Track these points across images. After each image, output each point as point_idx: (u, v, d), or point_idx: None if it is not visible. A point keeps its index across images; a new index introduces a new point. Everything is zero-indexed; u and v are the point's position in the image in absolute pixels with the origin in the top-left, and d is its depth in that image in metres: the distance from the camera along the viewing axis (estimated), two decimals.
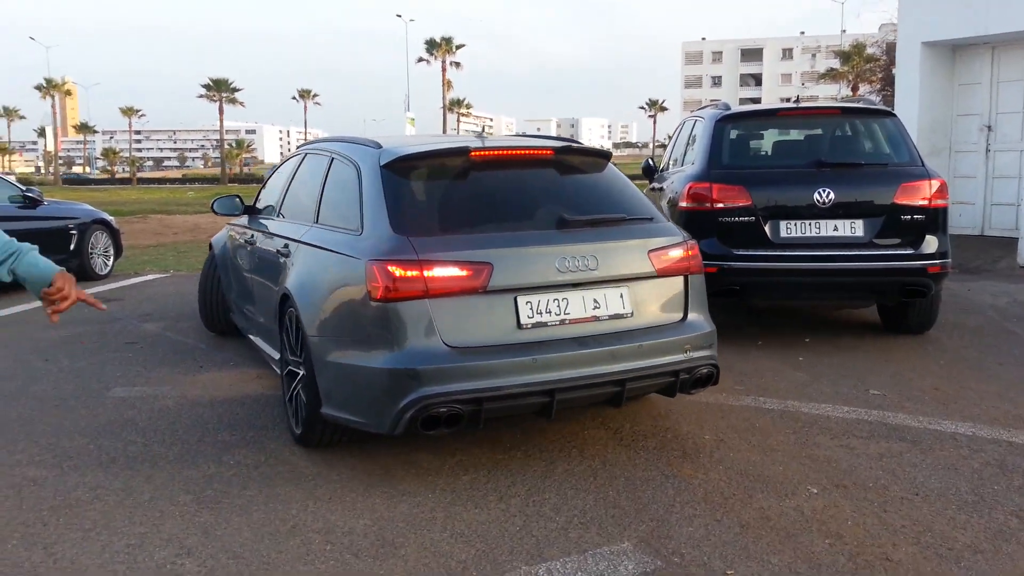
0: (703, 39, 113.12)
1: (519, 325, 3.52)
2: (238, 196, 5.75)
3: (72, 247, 9.56)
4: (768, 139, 7.49)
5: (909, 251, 5.79)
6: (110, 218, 10.46)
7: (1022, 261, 10.09)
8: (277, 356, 4.52)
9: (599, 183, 4.15)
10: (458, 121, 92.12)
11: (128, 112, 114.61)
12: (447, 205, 3.84)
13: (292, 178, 5.09)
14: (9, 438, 4.26)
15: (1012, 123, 10.84)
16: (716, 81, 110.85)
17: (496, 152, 4.00)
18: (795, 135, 6.95)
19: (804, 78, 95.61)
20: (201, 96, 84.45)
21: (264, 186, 5.82)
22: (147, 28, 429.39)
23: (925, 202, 5.81)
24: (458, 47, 76.11)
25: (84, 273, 9.72)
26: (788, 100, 8.63)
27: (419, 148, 4.04)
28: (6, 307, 7.97)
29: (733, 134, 6.35)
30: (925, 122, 11.20)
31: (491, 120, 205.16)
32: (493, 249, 3.52)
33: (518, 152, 4.17)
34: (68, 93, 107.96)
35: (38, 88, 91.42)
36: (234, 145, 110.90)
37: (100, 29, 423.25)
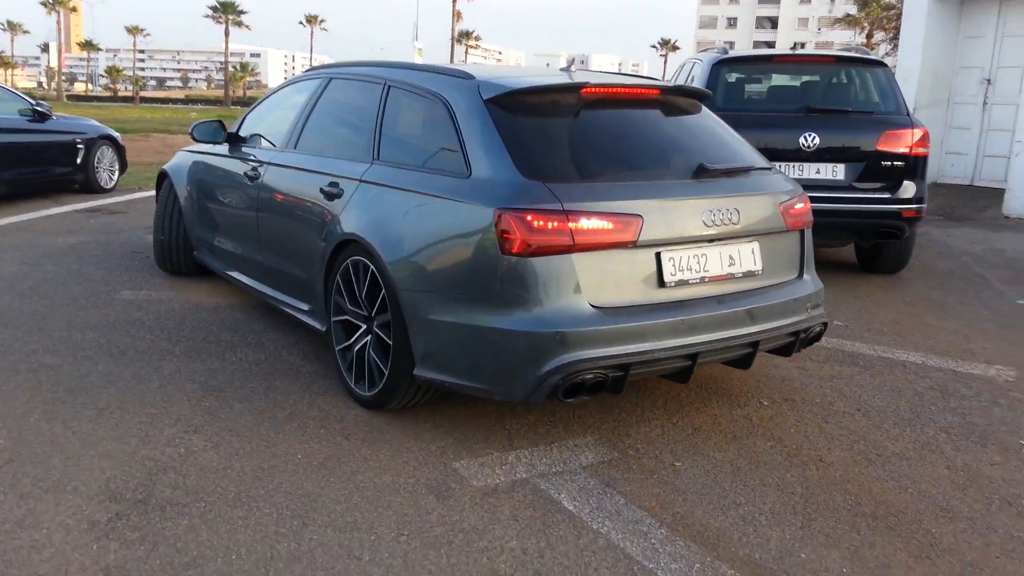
0: None
1: (662, 283, 3.23)
2: (219, 121, 5.19)
3: (79, 160, 9.78)
4: (764, 84, 7.68)
5: (886, 195, 6.06)
6: (116, 134, 10.66)
7: (1007, 211, 10.35)
8: (300, 304, 4.23)
9: (709, 127, 3.87)
10: (466, 53, 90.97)
11: (133, 31, 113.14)
12: (576, 148, 3.42)
13: (313, 106, 4.54)
14: (24, 330, 4.58)
15: (1012, 77, 10.96)
16: (731, 22, 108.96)
17: (609, 89, 3.65)
18: (790, 81, 7.14)
19: (821, 23, 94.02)
20: (207, 16, 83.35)
21: (251, 112, 5.26)
22: None
23: (906, 150, 6.06)
24: None
25: (89, 186, 9.98)
26: (797, 45, 8.75)
27: (524, 82, 3.57)
28: (16, 215, 8.25)
29: (730, 77, 6.55)
30: (927, 73, 11.30)
31: (500, 53, 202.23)
32: (643, 200, 3.19)
33: (631, 91, 3.80)
34: (73, 9, 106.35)
35: (43, 3, 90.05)
36: (238, 68, 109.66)
37: None
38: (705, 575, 2.50)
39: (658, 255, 3.22)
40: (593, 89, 3.54)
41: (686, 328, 3.20)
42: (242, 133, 5.14)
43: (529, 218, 3.03)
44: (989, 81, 11.35)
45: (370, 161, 3.86)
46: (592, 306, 3.09)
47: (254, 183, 4.69)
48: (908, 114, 6.22)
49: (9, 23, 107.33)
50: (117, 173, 10.67)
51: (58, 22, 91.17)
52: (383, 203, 3.63)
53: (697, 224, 3.29)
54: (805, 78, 6.77)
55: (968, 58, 11.52)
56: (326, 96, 4.52)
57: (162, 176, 6.00)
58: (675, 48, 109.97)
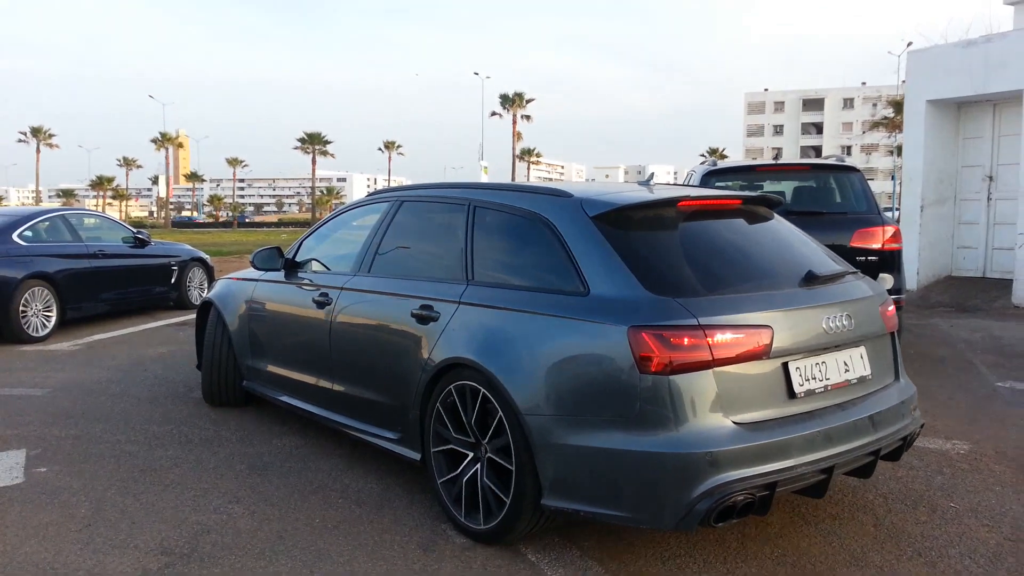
0: (766, 90, 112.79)
1: (792, 394, 3.05)
2: (277, 248, 4.99)
3: (173, 280, 10.75)
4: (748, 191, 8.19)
5: None
6: (206, 256, 11.67)
7: (1016, 301, 10.40)
8: (385, 433, 3.98)
9: (793, 232, 3.76)
10: (528, 169, 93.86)
11: (233, 163, 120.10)
12: (690, 260, 3.23)
13: (385, 230, 4.31)
14: (112, 424, 5.23)
15: (1011, 173, 11.18)
16: (778, 130, 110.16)
17: (703, 202, 3.55)
18: (771, 187, 7.61)
19: (864, 126, 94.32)
20: (296, 148, 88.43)
21: (307, 238, 5.05)
22: (253, 83, 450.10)
23: (878, 245, 6.42)
24: (528, 101, 78.11)
25: (182, 303, 10.91)
26: (779, 155, 9.22)
27: (625, 198, 3.46)
28: (117, 329, 9.14)
29: (719, 185, 7.06)
30: (931, 173, 11.63)
31: (562, 167, 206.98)
32: (771, 310, 3.04)
33: (721, 202, 3.70)
34: (180, 145, 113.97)
35: (153, 141, 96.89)
36: (325, 192, 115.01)
37: (211, 84, 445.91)
38: None
39: (785, 365, 3.06)
40: (689, 202, 3.48)
41: (822, 440, 3.03)
42: (299, 259, 4.94)
43: (668, 335, 2.85)
44: (991, 178, 11.59)
45: (465, 282, 3.65)
46: (734, 423, 2.89)
47: (324, 309, 4.42)
48: (879, 213, 6.60)
49: (125, 159, 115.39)
50: (207, 291, 11.63)
51: (166, 157, 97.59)
52: (492, 325, 3.40)
53: (818, 331, 3.15)
54: (785, 184, 7.24)
55: (970, 157, 11.82)
56: (399, 219, 4.31)
57: (206, 306, 5.70)
58: (723, 156, 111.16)
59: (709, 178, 6.94)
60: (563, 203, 3.47)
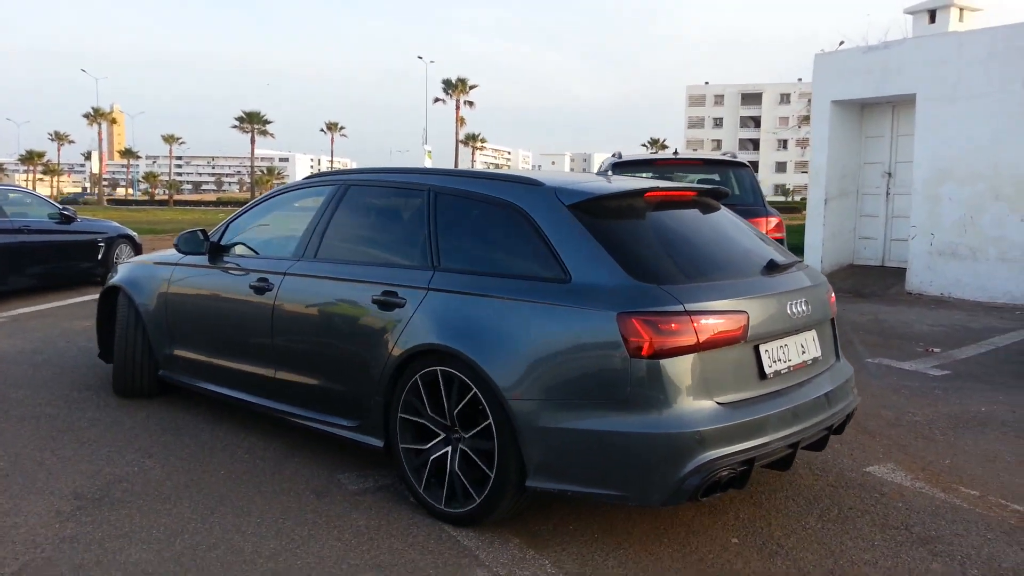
0: (706, 83, 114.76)
1: (763, 375, 3.25)
2: (202, 230, 4.83)
3: (100, 257, 10.84)
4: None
5: None
6: (133, 233, 11.76)
7: (909, 288, 11.20)
8: (339, 420, 3.91)
9: (742, 223, 3.97)
10: (472, 154, 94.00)
11: (169, 139, 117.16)
12: (665, 249, 3.41)
13: (331, 215, 4.22)
14: (34, 390, 5.46)
15: (907, 170, 11.96)
16: (718, 122, 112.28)
17: (666, 193, 3.75)
18: (671, 180, 8.14)
19: (800, 121, 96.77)
20: (234, 127, 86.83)
21: (235, 221, 4.88)
22: (190, 59, 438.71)
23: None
24: (471, 87, 78.20)
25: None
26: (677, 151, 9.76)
27: (598, 188, 3.59)
28: (43, 303, 9.26)
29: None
30: (835, 169, 12.34)
31: (509, 153, 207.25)
32: (745, 297, 3.22)
33: (682, 194, 3.89)
34: (114, 121, 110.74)
35: (86, 116, 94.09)
36: (265, 172, 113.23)
37: (147, 60, 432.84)
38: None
39: (756, 348, 3.24)
40: (655, 193, 3.66)
41: (791, 417, 3.24)
42: (225, 242, 4.79)
43: (656, 320, 2.97)
44: (890, 174, 12.37)
45: (431, 269, 3.64)
46: (717, 403, 3.06)
47: (265, 295, 4.28)
48: (764, 205, 7.17)
49: (56, 134, 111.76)
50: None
51: (99, 132, 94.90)
52: (467, 311, 3.41)
53: (784, 317, 3.36)
54: (680, 176, 7.77)
55: (871, 154, 12.58)
56: (347, 204, 4.22)
57: (111, 292, 5.45)
58: (663, 147, 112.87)
59: (615, 168, 7.41)
60: (536, 192, 3.53)
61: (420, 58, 79.69)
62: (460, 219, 3.73)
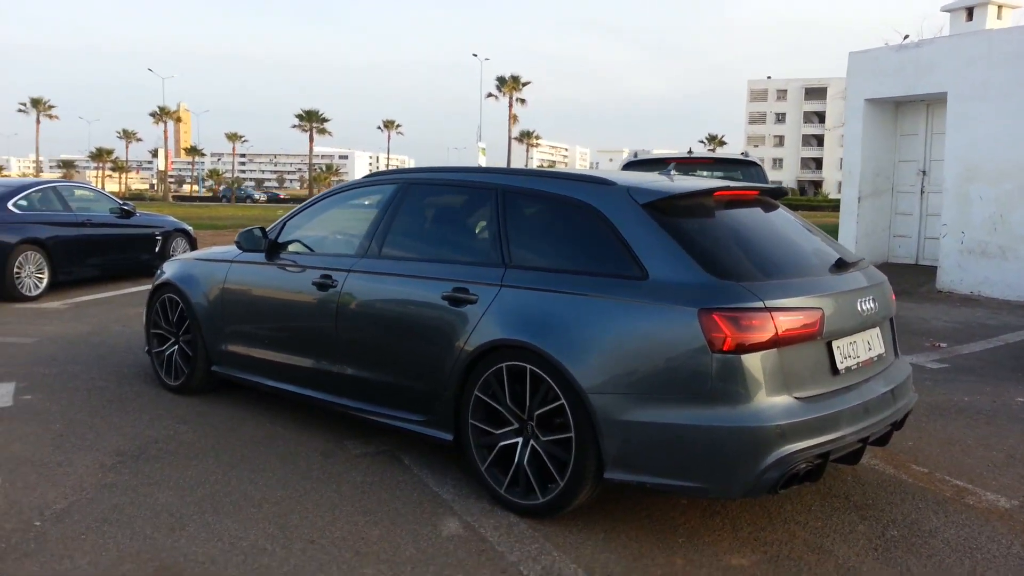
0: (768, 77, 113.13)
1: (835, 371, 3.36)
2: (260, 228, 4.93)
3: (157, 249, 11.67)
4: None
5: None
6: (188, 228, 12.57)
7: (939, 286, 11.30)
8: (409, 416, 3.99)
9: (799, 221, 4.05)
10: (527, 151, 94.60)
11: (233, 137, 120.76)
12: (741, 247, 3.52)
13: (394, 214, 4.30)
14: (89, 366, 6.15)
15: (942, 168, 12.05)
16: (780, 118, 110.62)
17: (734, 193, 3.87)
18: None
19: None
20: (294, 126, 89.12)
21: (292, 219, 4.94)
22: (252, 59, 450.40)
23: None
24: (524, 84, 78.83)
25: None
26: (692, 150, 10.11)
27: (669, 187, 3.66)
28: (102, 292, 10.08)
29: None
30: (868, 166, 12.48)
31: (566, 149, 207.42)
32: (821, 295, 3.34)
33: (748, 194, 3.97)
34: (179, 119, 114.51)
35: (152, 115, 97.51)
36: (324, 169, 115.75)
37: (213, 59, 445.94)
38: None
39: (829, 344, 3.36)
40: (723, 192, 3.78)
41: (862, 412, 3.36)
42: (283, 239, 4.87)
43: (738, 316, 3.07)
44: (924, 172, 12.46)
45: (502, 266, 3.73)
46: (795, 398, 3.16)
47: (328, 291, 4.36)
48: None
49: (124, 131, 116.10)
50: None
51: (165, 131, 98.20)
52: (544, 307, 3.49)
53: (855, 314, 3.49)
54: (694, 174, 8.12)
55: (906, 152, 12.68)
56: (409, 203, 4.33)
57: (160, 288, 5.50)
58: (722, 143, 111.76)
59: (628, 167, 7.83)
60: (610, 191, 3.63)
61: (475, 55, 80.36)
62: (531, 217, 3.86)
